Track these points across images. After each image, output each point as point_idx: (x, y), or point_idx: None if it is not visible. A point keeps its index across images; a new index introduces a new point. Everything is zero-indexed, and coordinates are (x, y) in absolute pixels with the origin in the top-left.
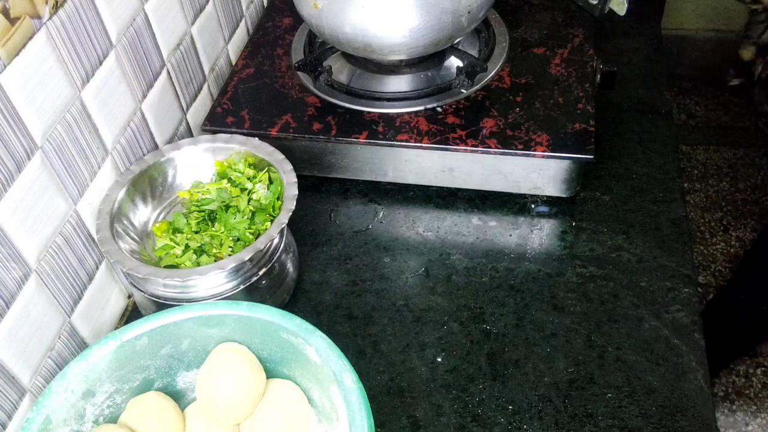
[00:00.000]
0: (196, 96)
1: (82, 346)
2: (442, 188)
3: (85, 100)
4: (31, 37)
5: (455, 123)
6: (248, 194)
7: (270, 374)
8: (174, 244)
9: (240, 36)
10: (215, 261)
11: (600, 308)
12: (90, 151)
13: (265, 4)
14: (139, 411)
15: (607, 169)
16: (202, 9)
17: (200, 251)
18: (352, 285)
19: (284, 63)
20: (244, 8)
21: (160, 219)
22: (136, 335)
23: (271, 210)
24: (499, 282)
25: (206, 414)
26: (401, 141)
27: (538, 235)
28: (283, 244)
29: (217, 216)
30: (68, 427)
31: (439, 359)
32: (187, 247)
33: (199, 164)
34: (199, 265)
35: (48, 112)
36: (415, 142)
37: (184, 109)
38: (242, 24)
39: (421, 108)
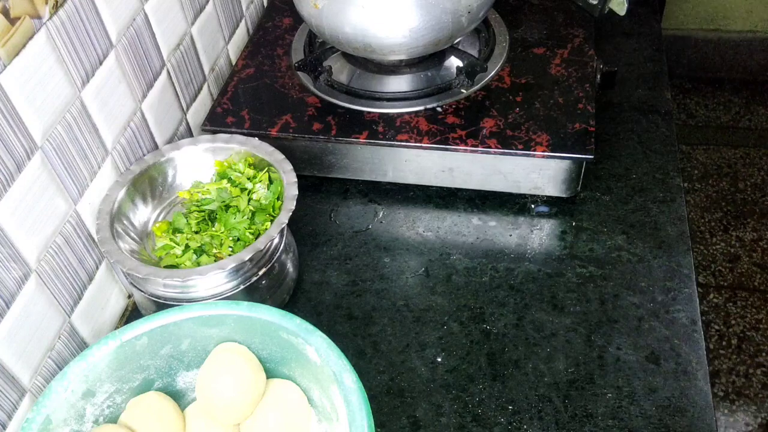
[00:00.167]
0: (196, 96)
1: (82, 346)
2: (442, 188)
3: (85, 100)
4: (31, 37)
5: (455, 123)
6: (248, 194)
7: (270, 374)
8: (174, 244)
9: (240, 36)
10: (215, 261)
11: (600, 308)
12: (90, 151)
13: (265, 4)
14: (139, 411)
15: (607, 169)
16: (202, 9)
17: (200, 251)
18: (352, 285)
19: (284, 63)
20: (244, 8)
21: (160, 219)
22: (136, 335)
23: (271, 210)
24: (499, 282)
25: (206, 414)
26: (401, 141)
27: (538, 235)
28: (283, 244)
29: (217, 216)
30: (68, 427)
31: (439, 359)
32: (187, 247)
33: (199, 164)
34: (199, 265)
35: (48, 112)
36: (415, 142)
37: (184, 109)
38: (242, 24)
39: (421, 108)
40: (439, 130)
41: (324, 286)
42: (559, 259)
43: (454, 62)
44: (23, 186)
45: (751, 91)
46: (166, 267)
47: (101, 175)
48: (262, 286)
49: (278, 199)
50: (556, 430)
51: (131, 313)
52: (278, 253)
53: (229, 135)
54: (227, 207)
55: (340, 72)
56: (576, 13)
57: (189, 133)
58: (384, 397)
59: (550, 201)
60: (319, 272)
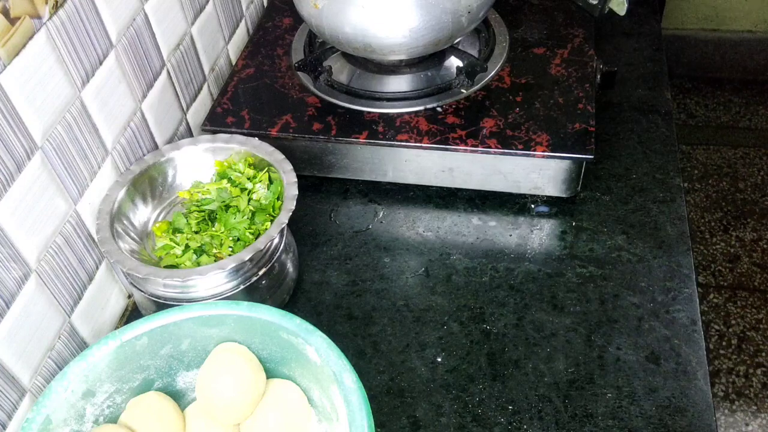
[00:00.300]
0: (196, 96)
1: (82, 346)
2: (442, 188)
3: (85, 100)
4: (31, 37)
5: (455, 123)
6: (248, 194)
7: (270, 374)
8: (174, 244)
9: (240, 36)
10: (215, 261)
11: (600, 308)
12: (90, 151)
13: (265, 4)
14: (139, 411)
15: (607, 169)
16: (202, 9)
17: (200, 251)
18: (352, 285)
19: (284, 63)
20: (244, 8)
21: (160, 219)
22: (136, 335)
23: (271, 210)
24: (499, 282)
25: (206, 414)
26: (401, 141)
27: (538, 235)
28: (283, 244)
29: (217, 216)
30: (68, 427)
31: (439, 359)
32: (187, 247)
33: (199, 164)
34: (199, 265)
35: (48, 112)
36: (415, 142)
37: (184, 109)
38: (242, 24)
39: (421, 108)
40: (439, 130)
41: (324, 286)
42: (559, 259)
43: (454, 62)
44: (23, 186)
45: (751, 91)
46: (166, 267)
47: (101, 175)
48: (262, 286)
49: (278, 199)
50: (556, 430)
51: (131, 313)
52: (278, 253)
53: (229, 135)
54: (227, 207)
55: (340, 72)
56: (576, 13)
57: (189, 133)
58: (384, 397)
59: (550, 201)
60: (319, 272)
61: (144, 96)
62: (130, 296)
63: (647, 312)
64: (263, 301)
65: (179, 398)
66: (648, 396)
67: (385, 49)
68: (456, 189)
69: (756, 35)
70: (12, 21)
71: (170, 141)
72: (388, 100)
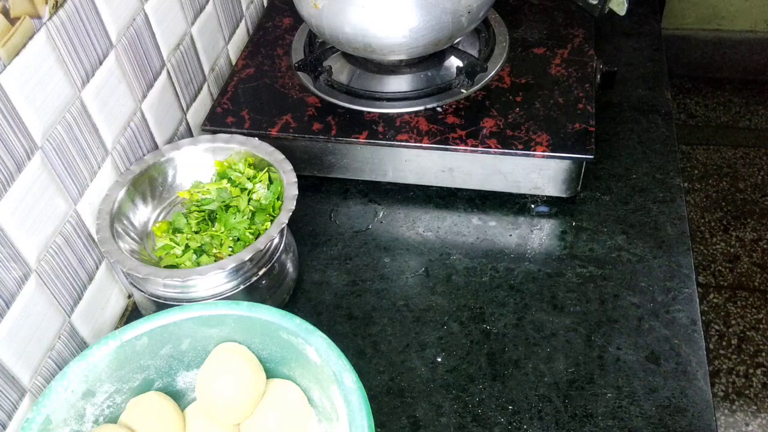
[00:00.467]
0: (196, 96)
1: (82, 346)
2: (442, 188)
3: (85, 100)
4: (31, 37)
5: (455, 123)
6: (248, 194)
7: (270, 374)
8: (174, 244)
9: (240, 36)
10: (215, 261)
11: (600, 308)
12: (90, 151)
13: (265, 4)
14: (139, 411)
15: (607, 169)
16: (202, 9)
17: (200, 251)
18: (352, 285)
19: (284, 63)
20: (244, 8)
21: (160, 219)
22: (136, 335)
23: (271, 210)
24: (499, 282)
25: (206, 414)
26: (401, 141)
27: (538, 235)
28: (283, 244)
29: (217, 216)
30: (68, 427)
31: (439, 359)
32: (187, 247)
33: (199, 164)
34: (199, 265)
35: (48, 112)
36: (415, 142)
37: (184, 109)
38: (242, 24)
39: (421, 108)
40: (439, 130)
41: (324, 286)
42: (559, 259)
43: (454, 62)
44: (23, 186)
45: (751, 91)
46: (166, 267)
47: (101, 175)
48: (262, 286)
49: (278, 199)
50: (556, 430)
51: (131, 313)
52: (278, 253)
53: (229, 135)
54: (227, 207)
55: (340, 72)
56: (576, 13)
57: (189, 133)
58: (384, 397)
59: (550, 201)
60: (319, 272)
61: (144, 96)
62: (130, 296)
63: (647, 312)
64: (263, 301)
65: (179, 398)
66: (648, 396)
67: (385, 49)
68: (456, 189)
69: (756, 35)
70: (12, 21)
71: (170, 141)
72: (388, 100)
